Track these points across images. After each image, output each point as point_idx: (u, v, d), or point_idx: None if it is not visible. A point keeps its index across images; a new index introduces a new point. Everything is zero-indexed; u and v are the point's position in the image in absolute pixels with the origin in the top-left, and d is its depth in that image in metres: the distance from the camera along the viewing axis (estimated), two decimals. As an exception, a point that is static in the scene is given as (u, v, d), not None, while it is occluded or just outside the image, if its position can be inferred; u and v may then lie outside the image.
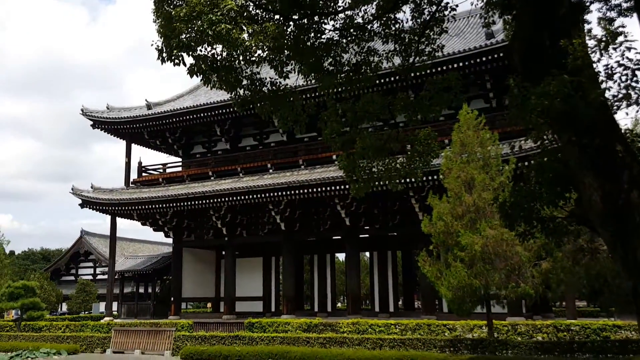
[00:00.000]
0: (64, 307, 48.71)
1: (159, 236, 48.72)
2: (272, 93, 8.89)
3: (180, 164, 33.34)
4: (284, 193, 25.70)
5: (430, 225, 17.52)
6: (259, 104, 9.11)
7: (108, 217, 32.33)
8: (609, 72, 6.37)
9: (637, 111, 6.37)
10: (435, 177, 20.39)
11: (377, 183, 9.93)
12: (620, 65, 6.28)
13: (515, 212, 8.02)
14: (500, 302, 17.75)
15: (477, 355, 16.56)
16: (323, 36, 9.10)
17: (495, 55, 21.93)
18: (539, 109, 6.31)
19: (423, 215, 25.07)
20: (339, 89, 9.97)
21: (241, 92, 8.78)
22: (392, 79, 20.59)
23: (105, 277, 47.31)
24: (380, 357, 17.33)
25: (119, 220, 32.59)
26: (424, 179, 21.45)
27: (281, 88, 9.03)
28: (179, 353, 22.08)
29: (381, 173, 9.63)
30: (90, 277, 52.64)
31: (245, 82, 8.66)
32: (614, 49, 6.22)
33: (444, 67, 21.65)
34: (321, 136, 14.06)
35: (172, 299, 32.23)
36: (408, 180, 19.70)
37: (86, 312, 45.04)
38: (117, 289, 37.28)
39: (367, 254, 37.40)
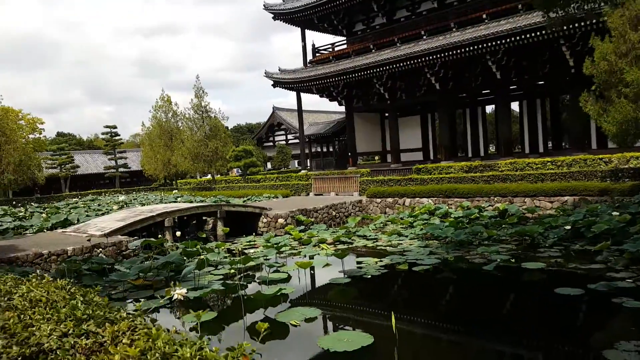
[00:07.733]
0: (269, 165, 53.15)
1: (332, 106, 49.78)
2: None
3: (345, 41, 32.59)
4: (438, 55, 24.06)
5: (592, 66, 15.23)
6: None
7: (290, 95, 33.81)
8: None
9: None
10: (587, 22, 17.55)
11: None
12: None
13: None
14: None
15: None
16: None
17: None
18: None
19: (573, 61, 22.04)
20: None
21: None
22: None
23: (295, 141, 50.35)
24: (543, 188, 16.32)
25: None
26: (576, 25, 18.59)
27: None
28: (365, 193, 23.05)
29: None
30: (284, 142, 56.26)
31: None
32: None
33: None
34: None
35: (349, 154, 33.31)
36: (559, 29, 17.36)
37: (284, 168, 48.82)
38: (305, 149, 39.43)
39: (513, 105, 34.57)
